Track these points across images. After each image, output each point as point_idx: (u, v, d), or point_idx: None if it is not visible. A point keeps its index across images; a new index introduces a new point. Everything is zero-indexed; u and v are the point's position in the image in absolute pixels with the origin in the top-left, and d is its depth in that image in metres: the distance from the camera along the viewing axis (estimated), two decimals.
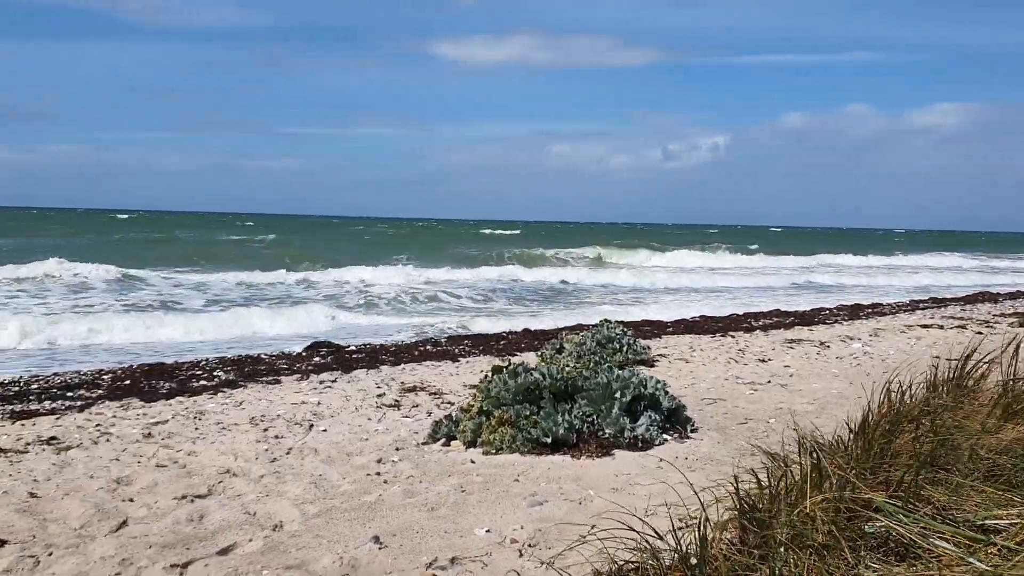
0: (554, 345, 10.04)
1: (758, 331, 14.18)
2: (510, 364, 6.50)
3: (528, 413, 5.99)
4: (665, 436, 6.35)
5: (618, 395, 6.18)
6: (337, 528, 4.64)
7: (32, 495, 5.25)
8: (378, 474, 5.65)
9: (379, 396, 8.39)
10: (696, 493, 3.43)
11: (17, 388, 9.22)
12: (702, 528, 3.07)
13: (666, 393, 6.58)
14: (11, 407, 8.16)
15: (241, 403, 8.22)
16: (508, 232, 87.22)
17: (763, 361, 10.64)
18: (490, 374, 6.37)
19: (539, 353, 10.23)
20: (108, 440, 6.72)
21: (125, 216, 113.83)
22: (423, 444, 6.42)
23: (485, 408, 6.11)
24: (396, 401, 8.13)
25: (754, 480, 3.46)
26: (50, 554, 4.27)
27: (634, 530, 3.31)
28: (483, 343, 12.66)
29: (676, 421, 6.60)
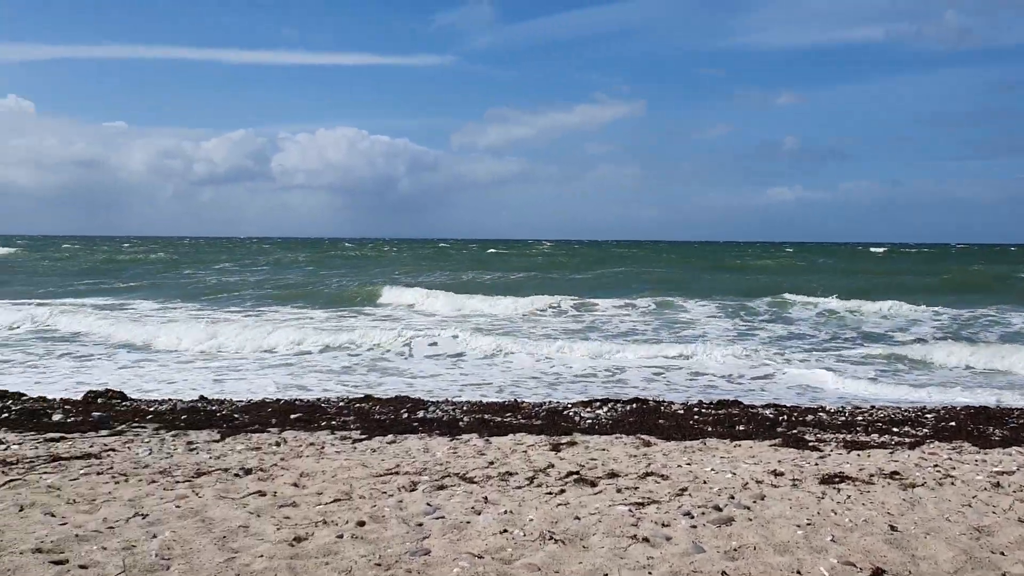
0: None
1: None
2: None
3: None
4: None
5: None
6: None
7: (892, 528, 5.24)
8: None
9: None
10: None
11: (843, 418, 9.58)
12: None
13: None
14: (843, 436, 8.48)
15: None
16: None
17: None
18: None
19: None
20: (952, 483, 6.43)
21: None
22: None
23: None
24: None
25: None
26: None
27: None
28: None
29: None
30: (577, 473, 6.70)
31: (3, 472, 6.60)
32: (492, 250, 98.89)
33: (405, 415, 9.85)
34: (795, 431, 8.66)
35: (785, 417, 9.54)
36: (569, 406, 10.49)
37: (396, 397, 11.28)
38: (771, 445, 7.94)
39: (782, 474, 6.68)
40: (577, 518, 5.39)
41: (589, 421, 9.47)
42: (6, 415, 9.64)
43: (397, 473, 6.72)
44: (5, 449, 7.60)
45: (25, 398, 11.12)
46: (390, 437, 8.35)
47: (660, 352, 16.64)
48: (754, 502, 5.84)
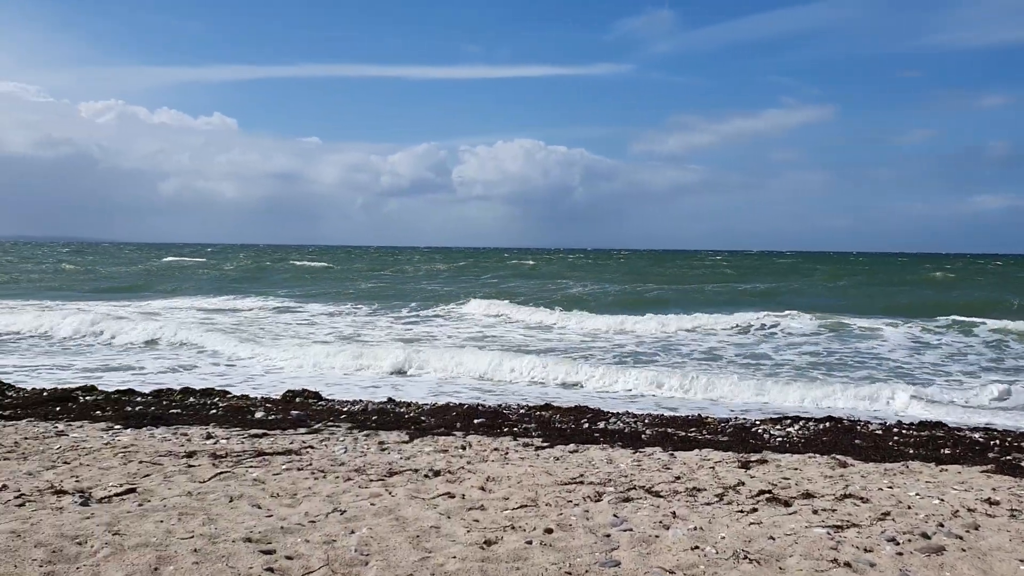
0: None
1: None
2: None
3: None
4: None
5: None
6: None
7: None
8: None
9: None
10: None
11: None
12: None
13: None
14: None
15: None
16: None
17: None
18: None
19: None
20: None
21: None
22: None
23: None
24: None
25: None
26: None
27: None
28: None
29: None
30: (769, 492, 6.43)
31: (213, 464, 7.06)
32: (648, 261, 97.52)
33: (586, 425, 9.82)
34: (1010, 457, 7.98)
35: (997, 442, 8.80)
36: (757, 423, 10.13)
37: (576, 407, 11.26)
38: (983, 471, 7.34)
39: (998, 503, 6.15)
40: (772, 538, 5.16)
41: (779, 439, 9.10)
42: (214, 411, 10.33)
43: (581, 483, 6.68)
44: (215, 443, 8.13)
45: (230, 396, 11.89)
46: (572, 446, 8.33)
47: (826, 390, 15.77)
48: (967, 532, 5.40)
